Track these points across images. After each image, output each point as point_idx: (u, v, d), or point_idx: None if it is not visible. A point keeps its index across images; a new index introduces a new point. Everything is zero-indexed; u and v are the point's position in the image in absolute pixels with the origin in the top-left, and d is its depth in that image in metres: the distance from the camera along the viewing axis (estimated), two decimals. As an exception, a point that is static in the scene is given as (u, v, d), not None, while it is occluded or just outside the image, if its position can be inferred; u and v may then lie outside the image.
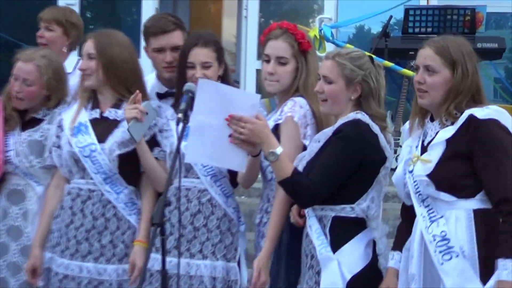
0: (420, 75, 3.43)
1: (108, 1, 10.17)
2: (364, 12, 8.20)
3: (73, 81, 4.46)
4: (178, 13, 9.32)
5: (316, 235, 3.55)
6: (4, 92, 4.39)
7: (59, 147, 4.16)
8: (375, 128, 3.54)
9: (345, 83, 3.56)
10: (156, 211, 3.20)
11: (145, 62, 4.37)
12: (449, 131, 3.36)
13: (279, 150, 3.51)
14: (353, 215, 3.54)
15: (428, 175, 3.35)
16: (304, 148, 3.76)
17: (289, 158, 3.58)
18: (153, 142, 4.06)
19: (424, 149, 3.45)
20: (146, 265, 3.26)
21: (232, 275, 4.00)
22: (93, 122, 4.11)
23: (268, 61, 3.91)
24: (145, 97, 4.04)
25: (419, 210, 3.42)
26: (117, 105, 4.11)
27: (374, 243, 3.56)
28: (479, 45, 7.47)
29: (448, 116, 3.38)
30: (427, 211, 3.39)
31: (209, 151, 3.59)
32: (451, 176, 3.33)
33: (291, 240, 3.79)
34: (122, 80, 4.07)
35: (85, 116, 4.12)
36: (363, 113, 3.56)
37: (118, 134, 4.05)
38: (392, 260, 3.54)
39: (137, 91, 3.95)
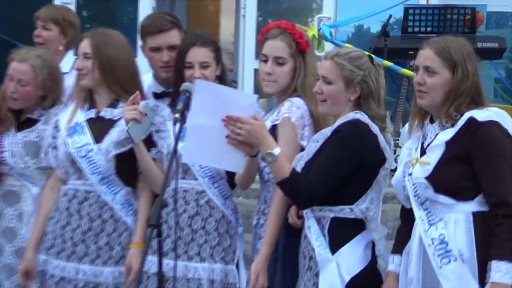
0: (420, 76, 3.42)
1: (105, 0, 10.19)
2: (363, 11, 8.18)
3: (70, 81, 4.44)
4: (175, 12, 9.33)
5: (315, 236, 3.53)
6: (-1, 93, 4.37)
7: (55, 148, 4.15)
8: (375, 128, 3.53)
9: (345, 84, 3.55)
10: (152, 212, 3.19)
11: (142, 62, 4.36)
12: (448, 133, 3.35)
13: (276, 151, 3.49)
14: (352, 216, 3.53)
15: (427, 178, 3.35)
16: (302, 149, 3.74)
17: (287, 159, 3.56)
18: (149, 142, 4.04)
19: (423, 151, 3.44)
20: (142, 267, 3.24)
21: (230, 278, 3.98)
22: (90, 122, 4.10)
23: (265, 61, 3.89)
24: (142, 97, 4.02)
25: (418, 213, 3.41)
26: (113, 105, 4.10)
27: (373, 244, 3.54)
28: (479, 45, 7.48)
29: (448, 118, 3.37)
30: (426, 214, 3.38)
31: (207, 151, 3.58)
32: (450, 179, 3.33)
33: (288, 241, 3.78)
34: (118, 80, 4.06)
35: (82, 116, 4.11)
36: (362, 113, 3.54)
37: (114, 134, 4.04)
38: (392, 264, 3.53)
39: (137, 92, 3.93)
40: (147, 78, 4.36)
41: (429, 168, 3.34)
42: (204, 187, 3.97)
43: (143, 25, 4.29)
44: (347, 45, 6.97)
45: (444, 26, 7.77)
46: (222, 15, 10.94)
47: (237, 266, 4.02)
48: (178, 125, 3.43)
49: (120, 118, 4.03)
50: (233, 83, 6.20)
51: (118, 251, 4.02)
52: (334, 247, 3.50)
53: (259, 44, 3.96)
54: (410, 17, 7.91)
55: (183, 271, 3.91)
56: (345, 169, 3.48)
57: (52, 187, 4.19)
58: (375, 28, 9.33)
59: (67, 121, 4.12)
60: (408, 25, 7.94)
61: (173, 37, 4.21)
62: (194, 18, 10.47)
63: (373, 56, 3.67)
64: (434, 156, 3.35)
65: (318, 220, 3.55)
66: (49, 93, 4.32)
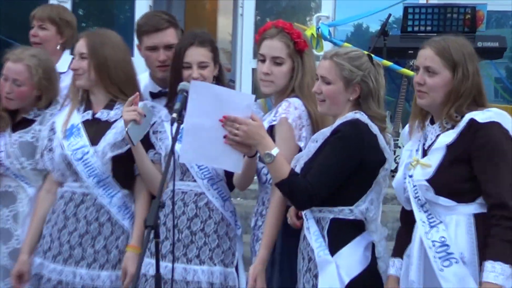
0: (420, 76, 3.42)
1: (101, -2, 10.24)
2: (363, 10, 8.19)
3: (67, 81, 4.41)
4: (172, 10, 9.38)
5: (314, 238, 3.51)
6: (-6, 93, 4.36)
7: (51, 150, 4.13)
8: (374, 128, 3.51)
9: (344, 84, 3.54)
10: (150, 213, 3.16)
11: (138, 61, 4.33)
12: (449, 136, 3.34)
13: (275, 151, 3.49)
14: (351, 217, 3.51)
15: (428, 180, 3.34)
16: (299, 150, 3.73)
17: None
18: (146, 143, 4.01)
19: (425, 153, 3.43)
20: (138, 271, 3.21)
21: (230, 281, 3.96)
22: (86, 124, 4.08)
23: (263, 61, 3.88)
24: (140, 98, 4.00)
25: (419, 215, 3.40)
26: (109, 106, 4.08)
27: (373, 246, 3.53)
28: (479, 44, 7.48)
29: (449, 119, 3.37)
30: (427, 216, 3.38)
31: (204, 151, 3.57)
32: (451, 181, 3.32)
33: (286, 241, 3.77)
34: (114, 80, 4.04)
35: (78, 118, 4.10)
36: (362, 113, 3.53)
37: (111, 136, 4.02)
38: (392, 268, 3.52)
39: (137, 93, 3.92)
40: (143, 77, 4.35)
41: (430, 171, 3.33)
42: (203, 189, 3.95)
43: (139, 24, 4.28)
44: (346, 44, 7.00)
45: (444, 25, 7.78)
46: (220, 14, 10.97)
47: (237, 268, 4.00)
48: (175, 125, 3.44)
49: (116, 120, 4.02)
50: (231, 83, 6.21)
51: (116, 254, 4.00)
52: (334, 248, 3.48)
53: (257, 43, 3.94)
54: (410, 16, 7.90)
55: (182, 273, 3.89)
56: (344, 169, 3.46)
57: (48, 189, 4.18)
58: (374, 27, 9.35)
59: (63, 123, 4.10)
60: (407, 24, 7.93)
61: (170, 36, 4.20)
62: (192, 17, 10.50)
63: (372, 55, 3.65)
64: (435, 158, 3.34)
65: (318, 221, 3.53)
66: (44, 93, 4.30)
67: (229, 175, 3.94)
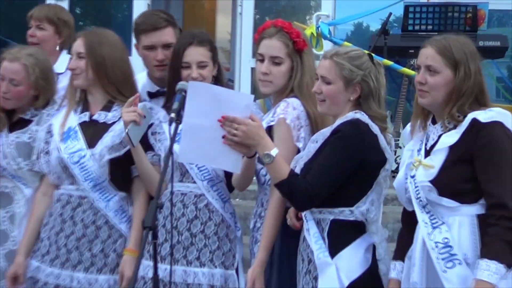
0: (422, 75, 3.41)
1: (99, -3, 10.26)
2: (363, 9, 8.19)
3: (65, 82, 4.39)
4: (171, 9, 9.42)
5: (314, 239, 3.50)
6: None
7: (47, 153, 4.12)
8: (375, 128, 3.50)
9: (344, 84, 3.52)
10: (148, 214, 3.14)
11: (136, 60, 4.32)
12: (452, 136, 3.33)
13: (274, 152, 3.47)
14: (352, 218, 3.49)
15: (431, 181, 3.32)
16: (298, 150, 3.72)
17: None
18: (144, 144, 3.98)
19: (427, 153, 3.41)
20: (136, 274, 3.18)
21: (230, 283, 3.94)
22: (83, 125, 4.07)
23: (262, 61, 3.86)
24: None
25: (421, 216, 3.39)
26: (107, 107, 4.06)
27: (374, 247, 3.52)
28: (481, 43, 7.48)
29: (451, 118, 3.36)
30: (429, 217, 3.37)
31: (203, 152, 3.56)
32: (454, 182, 3.31)
33: (284, 242, 3.75)
34: (112, 80, 4.03)
35: (75, 120, 4.08)
36: (362, 112, 3.52)
37: (108, 139, 4.01)
38: (394, 271, 3.51)
39: (137, 93, 3.92)
40: (141, 77, 4.33)
41: (433, 172, 3.32)
42: (203, 190, 3.94)
43: (137, 23, 4.26)
44: (346, 43, 7.01)
45: (445, 24, 7.78)
46: (219, 13, 11.01)
47: (237, 270, 3.99)
48: (173, 125, 3.43)
49: (114, 122, 4.01)
50: (229, 82, 6.19)
51: (114, 258, 3.98)
52: (334, 250, 3.46)
53: (255, 43, 3.92)
54: (411, 15, 7.89)
55: (183, 276, 3.88)
56: (345, 169, 3.44)
57: (44, 192, 4.16)
58: (375, 26, 9.34)
59: (60, 125, 4.08)
60: (408, 23, 7.93)
61: (168, 35, 4.18)
62: (190, 15, 10.53)
63: (373, 54, 3.64)
64: (437, 159, 3.33)
65: (318, 223, 3.52)
66: (42, 93, 4.28)
67: (229, 176, 3.92)
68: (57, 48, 4.99)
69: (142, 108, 3.86)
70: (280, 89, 3.85)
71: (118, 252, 3.97)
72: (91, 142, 4.00)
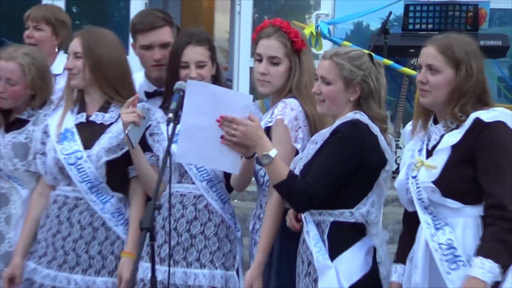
0: (423, 74, 3.40)
1: (95, -4, 10.28)
2: (363, 8, 8.18)
3: (63, 83, 4.37)
4: (168, 8, 9.46)
5: (313, 242, 3.49)
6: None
7: (43, 154, 4.10)
8: (375, 129, 3.49)
9: (344, 84, 3.51)
10: (145, 215, 3.13)
11: (133, 60, 4.29)
12: (454, 136, 3.32)
13: (273, 152, 3.46)
14: (352, 220, 3.48)
15: (434, 182, 3.31)
16: (296, 152, 3.71)
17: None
18: (141, 144, 3.95)
19: (429, 154, 3.40)
20: (134, 277, 3.17)
21: (231, 284, 3.93)
22: (79, 126, 4.05)
23: (260, 61, 3.85)
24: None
25: (423, 217, 3.38)
26: (104, 108, 4.04)
27: (375, 250, 3.50)
28: (482, 43, 7.43)
29: (453, 118, 3.34)
30: (431, 218, 3.35)
31: (201, 152, 3.55)
32: (457, 182, 3.30)
33: (283, 244, 3.74)
34: (109, 80, 4.01)
35: (71, 121, 4.06)
36: (362, 113, 3.51)
37: (105, 140, 3.99)
38: (395, 274, 3.52)
39: (137, 94, 3.91)
40: (138, 76, 4.31)
41: (436, 172, 3.31)
42: (202, 191, 3.92)
43: (134, 22, 4.24)
44: (345, 43, 7.02)
45: (446, 23, 7.78)
46: (217, 12, 11.03)
47: (237, 271, 3.98)
48: (171, 125, 3.40)
49: (111, 124, 3.99)
50: (228, 82, 6.16)
51: (112, 260, 3.96)
52: (334, 252, 3.45)
53: (253, 42, 3.91)
54: (411, 14, 7.89)
55: (183, 278, 3.87)
56: (345, 170, 3.43)
57: (40, 193, 4.14)
58: (375, 25, 9.33)
59: (57, 126, 4.06)
60: (408, 22, 7.92)
61: (165, 34, 4.17)
62: (188, 14, 10.56)
63: (373, 54, 3.63)
64: (440, 159, 3.32)
65: (318, 225, 3.51)
66: (38, 92, 4.26)
67: (228, 176, 3.90)
68: (56, 49, 4.99)
69: (141, 109, 3.85)
70: (278, 89, 3.84)
71: (116, 254, 3.95)
72: (88, 144, 3.98)
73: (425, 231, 3.34)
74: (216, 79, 4.03)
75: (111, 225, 3.95)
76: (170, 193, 3.75)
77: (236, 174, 3.73)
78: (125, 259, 3.89)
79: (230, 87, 5.58)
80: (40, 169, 4.10)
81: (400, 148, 6.55)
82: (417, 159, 3.40)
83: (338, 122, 3.50)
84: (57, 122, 4.07)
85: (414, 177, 3.39)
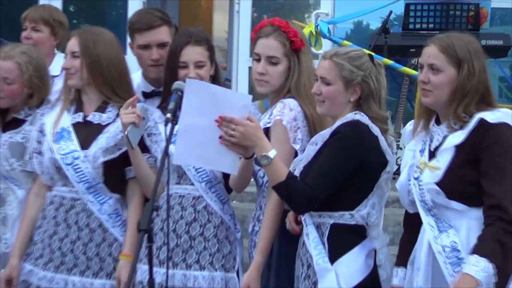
0: (424, 74, 3.40)
1: (93, -6, 10.31)
2: (363, 7, 8.19)
3: (61, 84, 4.32)
4: (166, 8, 9.53)
5: (313, 244, 3.48)
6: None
7: (40, 153, 4.08)
8: (375, 129, 3.48)
9: (344, 85, 3.49)
10: (143, 216, 3.12)
11: (131, 60, 4.27)
12: (458, 137, 3.30)
13: (272, 153, 3.44)
14: (352, 223, 3.47)
15: (437, 183, 3.30)
16: (295, 152, 3.70)
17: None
18: (139, 145, 3.92)
19: (431, 155, 3.38)
20: (131, 279, 3.17)
21: (231, 286, 3.91)
22: (76, 126, 4.03)
23: (258, 60, 3.84)
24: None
25: (426, 219, 3.36)
26: (101, 108, 4.03)
27: (375, 252, 3.49)
28: (483, 42, 7.43)
29: (457, 119, 3.33)
30: (435, 220, 3.34)
31: (199, 152, 3.53)
32: (461, 184, 3.30)
33: (283, 246, 3.73)
34: (107, 80, 3.99)
35: (68, 121, 4.04)
36: (362, 113, 3.50)
37: (103, 141, 3.97)
38: (396, 278, 3.51)
39: (136, 95, 3.90)
40: (136, 76, 4.29)
41: (439, 173, 3.30)
42: (201, 192, 3.91)
43: (131, 21, 4.23)
44: (345, 42, 7.00)
45: (447, 22, 7.77)
46: (216, 11, 11.06)
47: (238, 273, 3.96)
48: (169, 126, 3.39)
49: (108, 124, 3.97)
50: (227, 82, 6.13)
51: (110, 262, 3.95)
52: (334, 255, 3.44)
53: (252, 42, 3.89)
54: (411, 13, 7.88)
55: (182, 280, 3.85)
56: (344, 171, 3.42)
57: (36, 193, 4.12)
58: (375, 24, 9.38)
59: (53, 125, 4.04)
60: (409, 22, 7.92)
61: (163, 34, 4.15)
62: (186, 13, 10.58)
63: (373, 54, 3.61)
64: (444, 160, 3.31)
65: (318, 227, 3.50)
66: (36, 91, 4.24)
67: (227, 177, 3.88)
68: (55, 50, 4.97)
69: (141, 110, 3.83)
70: (276, 89, 3.82)
71: (114, 256, 3.93)
72: (85, 144, 3.96)
73: (428, 233, 3.33)
74: (215, 79, 4.01)
75: (108, 227, 3.93)
76: (169, 194, 3.74)
77: (235, 175, 3.71)
78: (123, 261, 3.87)
79: (229, 87, 5.57)
80: (36, 169, 4.08)
81: (401, 148, 6.53)
82: (420, 161, 3.39)
83: (338, 122, 3.49)
84: (53, 120, 4.05)
85: (416, 179, 3.38)
